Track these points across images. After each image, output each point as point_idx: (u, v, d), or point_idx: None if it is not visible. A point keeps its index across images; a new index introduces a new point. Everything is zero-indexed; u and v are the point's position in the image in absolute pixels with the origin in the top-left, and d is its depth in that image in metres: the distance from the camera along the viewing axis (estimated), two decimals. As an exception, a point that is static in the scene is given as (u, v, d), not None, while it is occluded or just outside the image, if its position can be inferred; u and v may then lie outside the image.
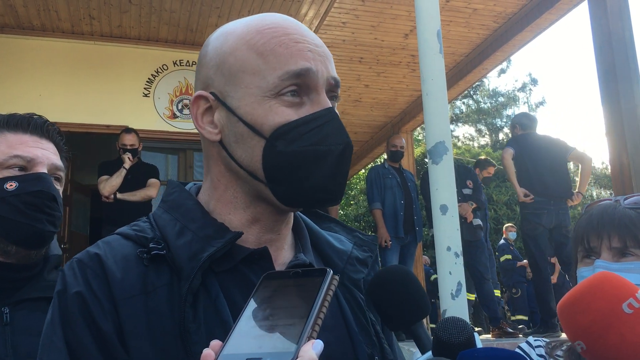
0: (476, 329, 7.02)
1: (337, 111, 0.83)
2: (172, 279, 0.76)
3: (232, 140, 0.81)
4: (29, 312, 1.30)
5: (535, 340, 1.29)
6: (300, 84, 0.79)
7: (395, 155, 6.21)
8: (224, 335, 0.62)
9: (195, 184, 0.91)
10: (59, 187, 1.40)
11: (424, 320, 0.89)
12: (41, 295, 1.32)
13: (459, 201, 5.93)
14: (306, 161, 0.77)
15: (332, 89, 0.83)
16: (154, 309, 0.74)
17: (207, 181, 0.87)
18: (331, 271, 0.66)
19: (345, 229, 0.97)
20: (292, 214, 0.89)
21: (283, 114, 0.77)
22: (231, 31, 0.84)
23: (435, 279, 10.38)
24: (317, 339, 0.59)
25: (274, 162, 0.78)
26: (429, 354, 0.78)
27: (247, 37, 0.81)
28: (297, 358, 0.56)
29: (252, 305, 0.65)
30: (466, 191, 6.19)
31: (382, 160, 6.66)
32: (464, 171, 6.41)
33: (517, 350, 1.27)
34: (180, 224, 0.81)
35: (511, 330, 5.84)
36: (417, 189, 6.44)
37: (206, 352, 0.59)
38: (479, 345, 0.75)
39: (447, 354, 0.73)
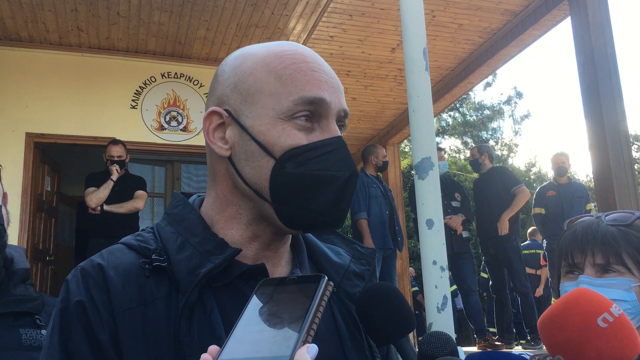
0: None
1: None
2: (170, 291, 0.78)
3: (242, 157, 0.83)
4: None
5: (519, 354, 1.31)
6: (312, 110, 0.82)
7: (385, 165, 6.23)
8: None
9: (199, 196, 0.93)
10: None
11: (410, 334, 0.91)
12: (6, 310, 1.30)
13: (448, 214, 6.03)
14: (312, 185, 0.79)
15: (341, 119, 0.87)
16: (151, 320, 0.76)
17: (210, 195, 0.89)
18: (326, 277, 0.68)
19: (344, 241, 0.99)
20: None
21: (295, 137, 0.80)
22: (251, 53, 0.87)
23: (414, 291, 10.45)
24: (312, 343, 0.60)
25: (281, 183, 0.80)
26: None
27: (267, 60, 0.84)
28: None
29: (249, 310, 0.67)
30: (455, 204, 6.24)
31: (360, 169, 6.61)
32: (452, 184, 6.46)
33: None
34: (182, 237, 0.83)
35: (497, 343, 5.88)
36: (394, 199, 6.46)
37: (204, 357, 0.60)
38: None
39: None
